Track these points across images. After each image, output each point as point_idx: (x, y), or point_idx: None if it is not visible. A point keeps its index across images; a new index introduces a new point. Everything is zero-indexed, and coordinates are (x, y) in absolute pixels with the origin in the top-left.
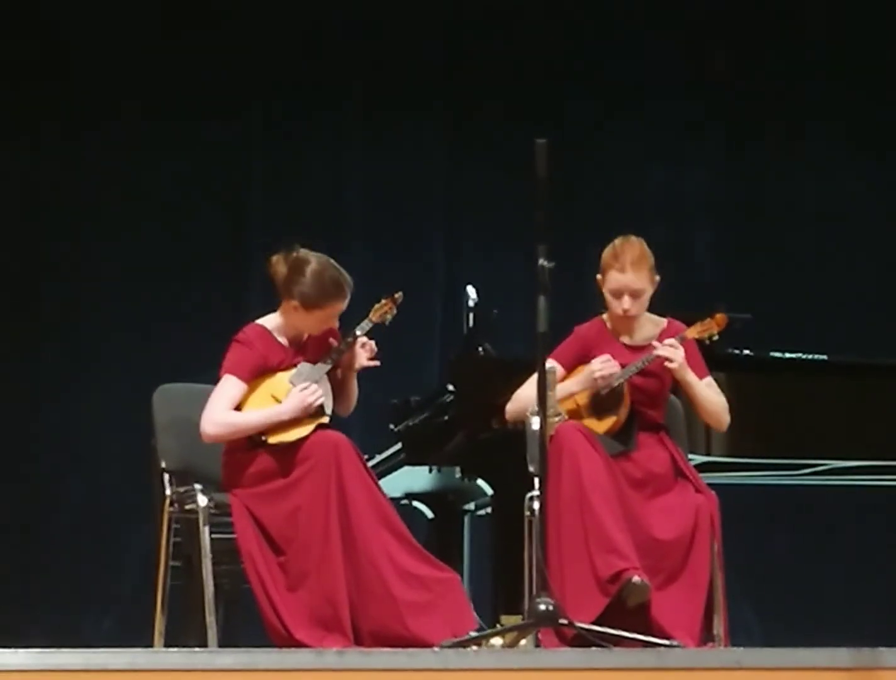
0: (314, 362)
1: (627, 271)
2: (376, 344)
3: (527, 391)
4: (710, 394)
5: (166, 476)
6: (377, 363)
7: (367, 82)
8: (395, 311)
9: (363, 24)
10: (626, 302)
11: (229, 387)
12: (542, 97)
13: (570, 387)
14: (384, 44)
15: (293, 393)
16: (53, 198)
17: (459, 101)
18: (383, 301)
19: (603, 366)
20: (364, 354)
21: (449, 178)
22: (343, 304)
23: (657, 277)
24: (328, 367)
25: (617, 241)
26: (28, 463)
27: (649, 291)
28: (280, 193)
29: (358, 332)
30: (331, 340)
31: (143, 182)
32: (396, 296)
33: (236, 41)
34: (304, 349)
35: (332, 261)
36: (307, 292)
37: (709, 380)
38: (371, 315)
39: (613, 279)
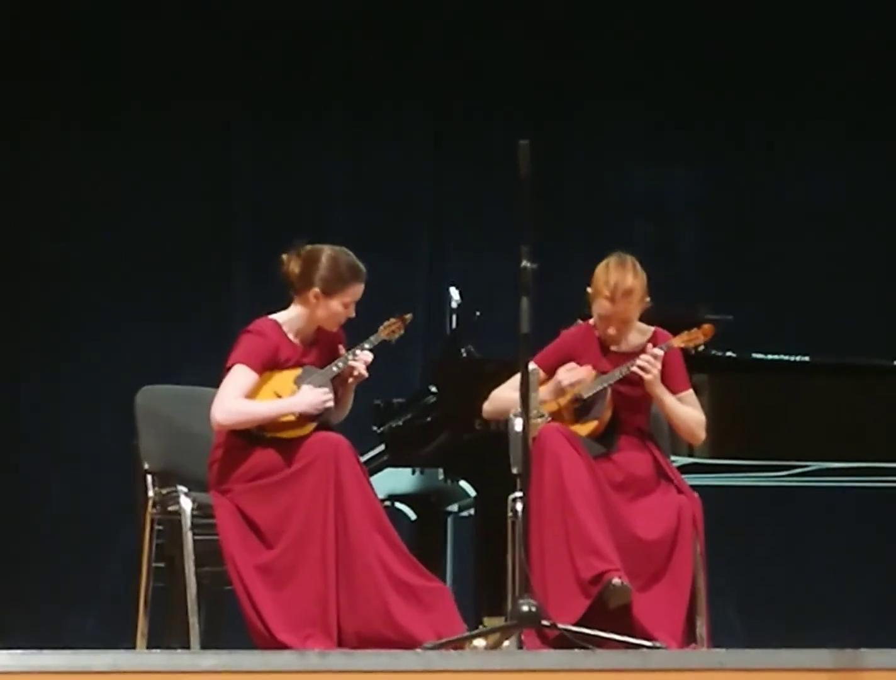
0: (319, 366)
1: (618, 303)
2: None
3: (504, 392)
4: (682, 409)
5: (149, 477)
6: (365, 375)
7: (352, 82)
8: (402, 331)
9: (347, 23)
10: (613, 329)
11: (240, 375)
12: (527, 97)
13: (542, 397)
14: (368, 44)
15: (306, 389)
16: (35, 196)
17: (443, 101)
18: (393, 319)
19: (568, 374)
20: (361, 366)
21: (432, 179)
22: (361, 287)
23: (647, 299)
24: (335, 373)
25: (612, 264)
26: (10, 463)
27: (637, 315)
28: (264, 194)
29: (366, 346)
30: (340, 346)
31: (127, 181)
32: (406, 316)
33: (223, 40)
34: (312, 351)
35: (344, 248)
36: (326, 276)
37: (689, 392)
38: (380, 331)
39: (602, 307)
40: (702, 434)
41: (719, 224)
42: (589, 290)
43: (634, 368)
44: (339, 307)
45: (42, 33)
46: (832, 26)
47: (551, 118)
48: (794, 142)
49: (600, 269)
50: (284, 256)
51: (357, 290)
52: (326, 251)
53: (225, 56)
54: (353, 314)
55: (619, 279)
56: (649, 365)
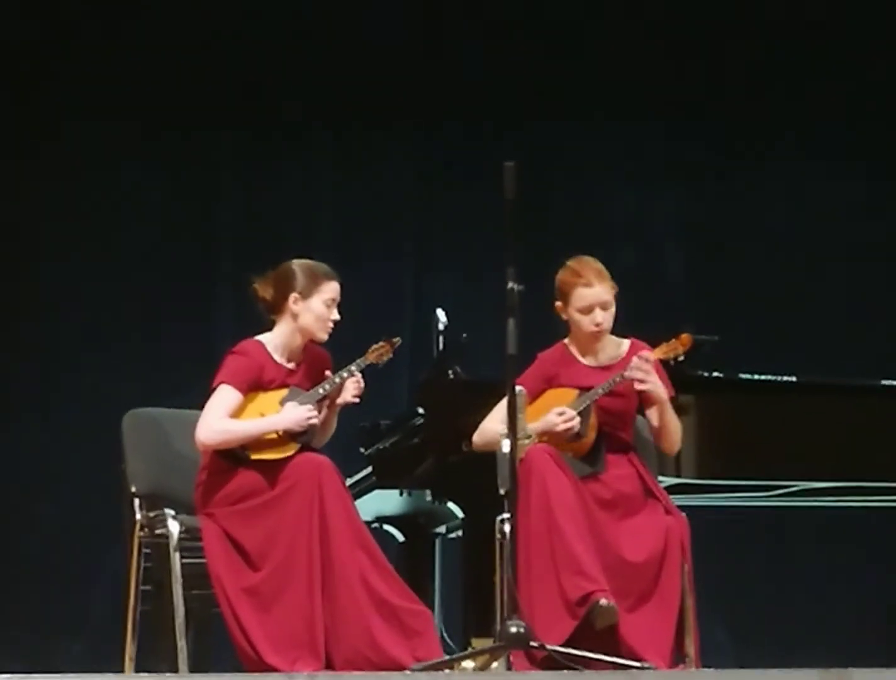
0: (305, 388)
1: (595, 285)
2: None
3: (492, 423)
4: (676, 417)
5: (136, 500)
6: (357, 400)
7: (337, 104)
8: (391, 355)
9: (331, 46)
10: (599, 315)
11: (225, 395)
12: (513, 119)
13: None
14: (353, 66)
15: (290, 406)
16: (25, 220)
17: (429, 123)
18: (381, 343)
19: (561, 419)
20: (352, 389)
21: (418, 200)
22: (337, 286)
23: (616, 289)
24: (321, 395)
25: (571, 262)
26: None
27: (614, 304)
28: (250, 217)
29: (353, 369)
30: (327, 372)
31: (114, 206)
32: (395, 340)
33: (209, 62)
34: (297, 372)
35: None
36: (300, 279)
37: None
38: (368, 355)
39: (581, 296)
40: (679, 440)
41: (704, 246)
42: (557, 303)
43: (628, 374)
44: (321, 307)
45: (30, 47)
46: (817, 49)
47: (537, 140)
48: (779, 163)
49: (562, 272)
50: (256, 285)
51: (334, 287)
52: (294, 261)
53: (211, 78)
54: (337, 316)
55: (585, 265)
56: (643, 374)
